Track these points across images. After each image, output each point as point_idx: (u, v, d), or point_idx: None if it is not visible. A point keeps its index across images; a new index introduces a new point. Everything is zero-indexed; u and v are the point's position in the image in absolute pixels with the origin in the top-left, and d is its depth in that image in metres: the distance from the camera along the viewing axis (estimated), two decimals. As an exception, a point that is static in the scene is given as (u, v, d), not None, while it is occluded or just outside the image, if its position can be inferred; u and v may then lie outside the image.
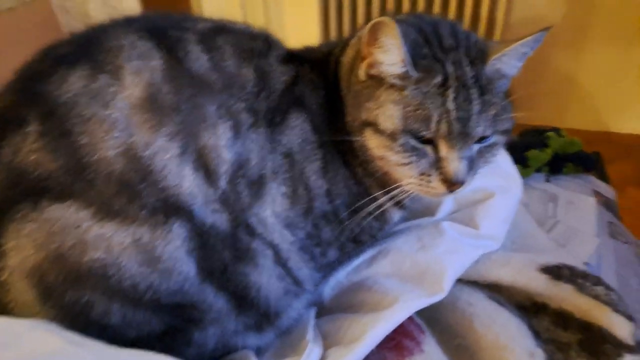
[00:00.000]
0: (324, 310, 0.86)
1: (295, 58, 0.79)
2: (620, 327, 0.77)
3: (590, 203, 1.36)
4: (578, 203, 1.36)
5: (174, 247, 0.62)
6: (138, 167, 0.59)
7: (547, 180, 1.45)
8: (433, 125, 0.69)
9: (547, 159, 1.42)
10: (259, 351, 0.76)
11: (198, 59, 0.66)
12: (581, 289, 0.82)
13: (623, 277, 1.17)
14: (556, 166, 1.46)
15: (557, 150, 1.44)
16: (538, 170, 1.45)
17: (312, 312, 0.83)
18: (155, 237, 0.60)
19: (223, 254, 0.66)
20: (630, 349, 0.75)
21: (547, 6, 2.59)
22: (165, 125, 0.61)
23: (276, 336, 0.78)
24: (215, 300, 0.67)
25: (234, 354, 0.73)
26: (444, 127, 0.70)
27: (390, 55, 0.69)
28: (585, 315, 0.80)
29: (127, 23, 0.69)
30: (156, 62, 0.63)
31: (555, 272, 0.85)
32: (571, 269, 0.85)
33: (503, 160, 1.02)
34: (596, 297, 0.81)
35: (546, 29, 0.71)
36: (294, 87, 0.75)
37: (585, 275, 0.84)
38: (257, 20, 2.94)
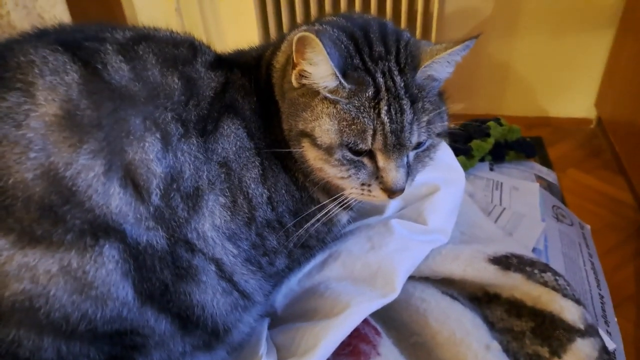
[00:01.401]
0: (278, 320, 0.84)
1: (224, 63, 0.76)
2: (570, 312, 0.78)
3: (534, 188, 1.39)
4: (522, 189, 1.39)
5: (107, 271, 0.58)
6: (60, 188, 0.55)
7: (491, 169, 1.48)
8: (369, 139, 0.68)
9: (489, 148, 1.44)
10: (210, 371, 0.73)
11: (118, 70, 0.62)
12: (530, 276, 0.83)
13: (570, 258, 1.20)
14: (499, 154, 1.49)
15: (499, 138, 1.47)
16: (482, 160, 1.48)
17: (265, 324, 0.81)
18: (84, 261, 0.56)
19: (162, 274, 0.62)
20: (582, 333, 0.76)
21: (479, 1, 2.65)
22: (87, 143, 0.57)
23: (228, 353, 0.75)
24: (157, 324, 0.63)
25: None
26: (379, 140, 0.69)
27: (319, 69, 0.67)
28: (536, 302, 0.81)
29: (37, 37, 0.64)
30: (72, 76, 0.58)
31: (504, 262, 0.85)
32: (519, 257, 0.86)
33: (444, 153, 1.02)
34: (545, 284, 0.82)
35: (476, 36, 0.70)
36: (225, 93, 0.72)
37: (533, 263, 0.85)
38: (193, 24, 2.88)
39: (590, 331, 0.76)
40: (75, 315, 0.56)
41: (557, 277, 0.83)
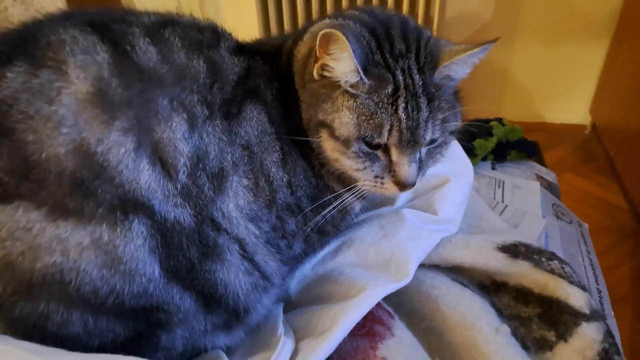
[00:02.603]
0: (292, 305, 0.85)
1: (246, 50, 0.78)
2: (576, 298, 0.81)
3: (534, 187, 1.43)
4: (524, 187, 1.42)
5: (136, 246, 0.58)
6: (91, 163, 0.56)
7: (493, 168, 1.51)
8: (385, 134, 0.71)
9: (492, 147, 1.48)
10: (228, 351, 0.74)
11: (146, 53, 0.63)
12: (537, 264, 0.86)
13: (570, 254, 1.24)
14: (501, 154, 1.52)
15: (501, 138, 1.50)
16: (484, 159, 1.51)
17: (281, 308, 0.82)
18: (115, 236, 0.57)
19: (189, 252, 0.63)
20: (587, 318, 0.79)
21: (479, 3, 2.69)
22: (118, 120, 0.57)
23: (246, 334, 0.77)
24: (182, 301, 0.64)
25: (203, 355, 0.71)
26: (395, 135, 0.71)
27: (342, 65, 0.69)
28: (543, 289, 0.84)
29: (65, 18, 0.64)
30: (102, 55, 0.59)
31: (512, 250, 0.88)
32: (527, 246, 0.89)
33: (454, 147, 1.04)
34: (552, 271, 0.85)
35: (494, 40, 0.73)
36: (248, 79, 0.74)
37: (540, 252, 0.88)
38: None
39: (595, 316, 0.79)
40: (104, 289, 0.57)
41: (564, 265, 0.86)
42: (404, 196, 0.98)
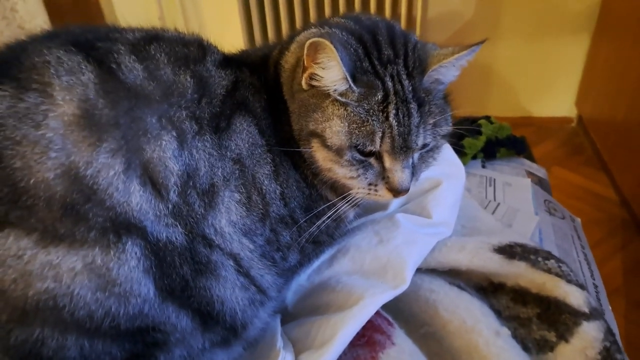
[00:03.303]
0: (289, 316, 0.84)
1: (233, 62, 0.77)
2: (574, 297, 0.80)
3: (525, 183, 1.43)
4: (515, 185, 1.42)
5: (130, 267, 0.58)
6: (81, 187, 0.55)
7: (483, 166, 1.51)
8: (377, 141, 0.70)
9: (481, 146, 1.47)
10: (227, 368, 0.73)
11: (132, 70, 0.62)
12: (534, 264, 0.85)
13: (564, 250, 1.23)
14: (490, 152, 1.52)
15: (490, 136, 1.50)
16: (474, 158, 1.50)
17: (278, 320, 0.81)
18: (108, 258, 0.56)
19: (182, 270, 0.62)
20: (587, 316, 0.78)
21: (460, 2, 2.70)
22: (106, 142, 0.57)
23: (244, 349, 0.76)
24: (178, 320, 0.63)
25: None
26: (387, 142, 0.71)
27: (330, 73, 0.69)
28: (541, 289, 0.83)
29: (48, 38, 0.63)
30: (87, 75, 0.58)
31: (508, 251, 0.87)
32: (523, 246, 0.88)
33: (444, 149, 1.03)
34: (549, 271, 0.84)
35: (481, 41, 0.73)
36: (235, 91, 0.73)
37: (536, 251, 0.87)
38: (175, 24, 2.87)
39: (595, 314, 0.79)
40: (99, 312, 0.56)
41: (561, 264, 0.85)
42: (397, 201, 0.98)
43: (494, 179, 1.43)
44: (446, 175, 0.98)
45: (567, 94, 2.90)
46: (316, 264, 0.87)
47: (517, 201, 1.34)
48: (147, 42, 0.67)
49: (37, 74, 0.56)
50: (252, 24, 2.73)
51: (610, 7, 2.51)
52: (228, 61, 0.76)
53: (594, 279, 1.22)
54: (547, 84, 2.88)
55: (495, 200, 1.35)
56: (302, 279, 0.86)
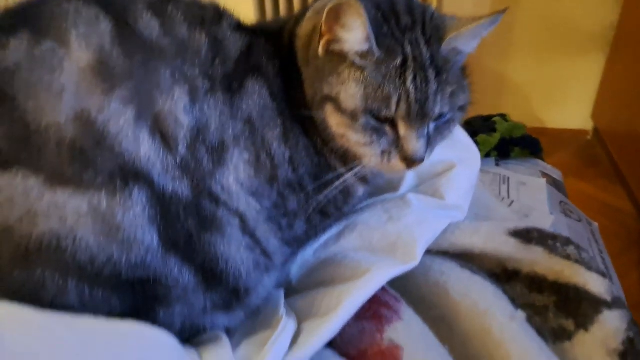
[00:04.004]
0: (293, 291, 0.81)
1: (248, 29, 0.78)
2: (595, 284, 0.76)
3: (540, 183, 1.39)
4: (529, 184, 1.38)
5: (135, 214, 0.57)
6: (92, 132, 0.56)
7: (497, 164, 1.47)
8: (393, 106, 0.69)
9: (495, 143, 1.45)
10: (228, 333, 0.71)
11: (148, 26, 0.63)
12: (552, 250, 0.81)
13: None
14: (504, 151, 1.49)
15: (504, 134, 1.47)
16: (487, 155, 1.47)
17: (282, 292, 0.78)
18: (114, 203, 0.56)
19: (187, 223, 0.62)
20: (609, 305, 0.74)
21: (474, 8, 2.68)
22: (119, 90, 0.58)
23: (246, 316, 0.73)
24: (181, 274, 0.62)
25: (203, 335, 0.68)
26: (403, 108, 0.70)
27: (355, 34, 0.68)
28: (558, 276, 0.79)
29: None
30: (105, 26, 0.60)
31: (525, 235, 0.83)
32: (540, 231, 0.84)
33: (459, 133, 1.01)
34: (568, 257, 0.80)
35: (502, 10, 0.71)
36: (249, 55, 0.73)
37: (555, 237, 0.83)
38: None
39: (617, 303, 0.74)
40: (101, 257, 0.56)
41: (581, 251, 0.81)
42: (409, 182, 0.95)
43: (508, 177, 1.39)
44: (461, 159, 0.95)
45: (582, 106, 2.86)
46: (323, 239, 0.85)
47: (532, 200, 1.31)
48: (165, 1, 0.69)
49: (55, 23, 0.58)
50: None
51: (627, 29, 2.48)
52: (243, 27, 0.77)
53: (612, 284, 1.17)
54: (563, 95, 2.85)
55: (509, 198, 1.31)
56: (308, 254, 0.84)
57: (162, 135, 0.60)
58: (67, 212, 0.54)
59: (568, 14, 2.62)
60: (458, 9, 2.65)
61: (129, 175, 0.57)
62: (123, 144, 0.57)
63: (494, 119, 1.50)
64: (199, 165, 0.63)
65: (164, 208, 0.60)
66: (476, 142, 1.40)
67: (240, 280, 0.68)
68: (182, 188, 0.62)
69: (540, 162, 1.54)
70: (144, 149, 0.59)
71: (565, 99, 2.86)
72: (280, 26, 0.83)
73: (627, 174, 2.40)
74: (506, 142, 1.49)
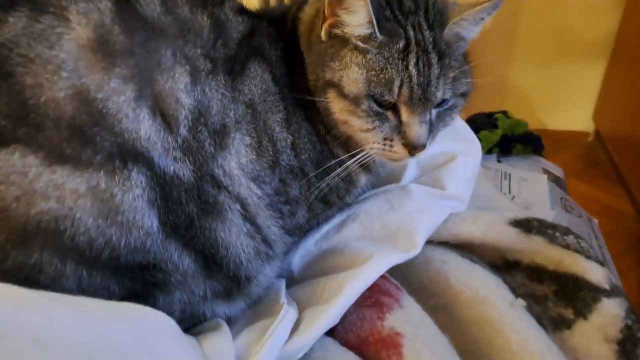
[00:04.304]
0: (294, 281, 0.81)
1: (251, 13, 0.78)
2: (594, 273, 0.76)
3: (542, 180, 1.40)
4: (530, 180, 1.39)
5: (134, 196, 0.56)
6: (91, 109, 0.55)
7: (499, 161, 1.48)
8: (395, 90, 0.69)
9: (497, 139, 1.45)
10: (228, 322, 0.70)
11: (150, 4, 0.62)
12: (552, 239, 0.81)
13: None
14: (506, 147, 1.50)
15: (506, 130, 1.47)
16: (489, 152, 1.48)
17: (283, 282, 0.78)
18: (112, 184, 0.55)
19: (188, 207, 0.61)
20: (607, 293, 0.74)
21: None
22: (119, 67, 0.56)
23: (247, 305, 0.73)
24: (181, 260, 0.61)
25: (203, 323, 0.68)
26: (405, 92, 0.69)
27: (357, 17, 0.68)
28: (558, 266, 0.79)
29: None
30: (105, 3, 0.58)
31: (525, 224, 0.84)
32: (540, 221, 0.84)
33: (460, 124, 1.02)
34: (567, 247, 0.80)
35: None
36: (252, 37, 0.73)
37: (554, 227, 0.84)
38: None
39: (615, 291, 0.75)
40: (100, 240, 0.55)
41: (580, 240, 0.81)
42: (411, 173, 0.95)
43: (510, 173, 1.40)
44: (462, 150, 0.95)
45: (583, 108, 2.85)
46: (325, 229, 0.85)
47: (533, 196, 1.32)
48: None
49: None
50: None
51: (627, 37, 2.50)
52: (246, 11, 0.77)
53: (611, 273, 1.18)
54: (564, 97, 2.84)
55: (510, 193, 1.31)
56: (310, 244, 0.84)
57: (163, 115, 0.59)
58: (66, 192, 0.52)
59: (569, 22, 2.62)
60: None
61: (128, 155, 0.56)
62: (123, 123, 0.56)
63: (496, 115, 1.51)
64: (200, 147, 0.62)
65: (164, 190, 0.59)
66: (478, 139, 1.42)
67: (240, 267, 0.68)
68: (183, 170, 0.61)
69: (541, 159, 1.55)
70: (144, 128, 0.57)
71: (566, 101, 2.85)
72: (284, 11, 0.83)
73: (628, 176, 2.40)
74: (508, 139, 1.50)
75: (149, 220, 0.58)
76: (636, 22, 2.43)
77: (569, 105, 2.87)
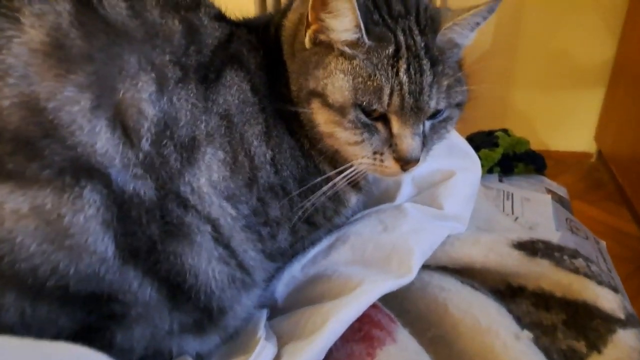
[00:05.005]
0: (279, 311, 0.74)
1: (230, 20, 0.73)
2: (607, 300, 0.70)
3: (546, 200, 1.33)
4: (534, 200, 1.32)
5: (86, 217, 0.50)
6: (40, 120, 0.49)
7: (501, 180, 1.42)
8: (385, 99, 0.64)
9: (498, 158, 1.39)
10: (200, 359, 0.63)
11: (115, 7, 0.57)
12: (559, 262, 0.75)
13: (590, 269, 1.12)
14: (507, 167, 1.44)
15: (507, 149, 1.42)
16: (490, 171, 1.42)
17: (264, 314, 0.71)
18: (61, 203, 0.49)
19: (149, 229, 0.55)
20: (622, 323, 0.68)
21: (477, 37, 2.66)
22: (74, 74, 0.51)
23: (222, 340, 0.66)
24: (141, 290, 0.55)
25: None
26: (396, 101, 0.64)
27: (343, 21, 0.63)
28: (566, 292, 0.73)
29: None
30: (63, 5, 0.54)
31: (530, 247, 0.77)
32: (546, 242, 0.78)
33: (458, 140, 0.96)
34: (576, 271, 0.74)
35: None
36: (229, 44, 0.68)
37: (561, 249, 0.77)
38: None
39: (632, 321, 0.68)
40: (45, 268, 0.48)
41: (590, 264, 0.75)
42: (406, 191, 0.89)
43: (512, 193, 1.33)
44: (460, 167, 0.89)
45: (585, 129, 2.83)
46: (312, 253, 0.78)
47: (537, 216, 1.25)
48: None
49: (8, 0, 0.52)
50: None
51: (625, 62, 2.51)
52: (224, 18, 0.72)
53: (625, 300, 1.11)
54: (565, 117, 2.81)
55: (513, 214, 1.25)
56: (296, 270, 0.76)
57: (124, 127, 0.54)
58: (5, 212, 0.46)
59: (567, 47, 2.64)
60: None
61: (81, 171, 0.50)
62: (76, 135, 0.50)
63: (496, 133, 1.45)
64: (165, 163, 0.56)
65: (122, 211, 0.53)
66: (478, 157, 1.36)
67: (212, 297, 0.61)
68: (144, 188, 0.55)
69: (545, 178, 1.48)
70: (101, 141, 0.52)
71: (567, 122, 2.83)
72: (268, 19, 0.78)
73: (632, 196, 2.35)
74: (509, 158, 1.44)
75: (103, 245, 0.51)
76: (633, 47, 2.47)
77: (570, 126, 2.85)
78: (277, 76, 0.70)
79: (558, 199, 1.39)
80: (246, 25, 0.74)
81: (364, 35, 0.63)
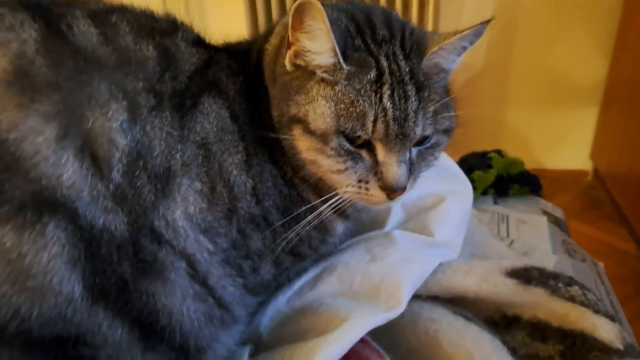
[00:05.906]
0: (263, 347, 0.70)
1: (209, 45, 0.71)
2: (604, 330, 0.67)
3: (542, 222, 1.31)
4: (530, 222, 1.30)
5: (49, 256, 0.47)
6: (0, 152, 0.47)
7: (495, 202, 1.39)
8: (369, 126, 0.62)
9: (492, 180, 1.37)
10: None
11: (85, 33, 0.56)
12: (554, 291, 0.73)
13: (588, 293, 1.09)
14: (502, 188, 1.41)
15: (501, 170, 1.39)
16: (484, 193, 1.40)
17: (247, 351, 0.67)
18: (22, 241, 0.46)
19: (120, 267, 0.51)
20: (621, 354, 0.65)
21: (469, 57, 2.67)
22: (39, 103, 0.49)
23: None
24: (111, 331, 0.51)
25: None
26: (380, 128, 0.62)
27: (318, 42, 0.61)
28: (563, 321, 0.70)
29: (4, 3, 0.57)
30: (29, 33, 0.52)
31: (524, 275, 0.75)
32: (540, 270, 0.76)
33: (449, 163, 0.94)
34: (572, 299, 0.72)
35: (487, 21, 0.65)
36: (208, 70, 0.65)
37: (556, 276, 0.75)
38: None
39: (631, 351, 0.65)
40: (4, 311, 0.45)
41: (586, 291, 0.72)
42: (395, 218, 0.86)
43: (507, 216, 1.31)
44: (451, 191, 0.87)
45: (580, 147, 2.82)
46: (298, 284, 0.75)
47: (533, 239, 1.22)
48: (110, 11, 0.61)
49: None
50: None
51: (617, 81, 2.54)
52: (203, 43, 0.70)
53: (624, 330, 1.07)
54: (561, 136, 2.80)
55: (509, 237, 1.22)
56: (281, 303, 0.73)
57: (93, 157, 0.51)
58: None
59: (560, 67, 2.65)
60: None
61: (44, 205, 0.47)
62: (40, 167, 0.48)
63: (490, 154, 1.43)
64: (138, 195, 0.54)
65: (90, 248, 0.50)
66: (472, 180, 1.33)
67: (188, 337, 0.57)
68: (115, 222, 0.52)
69: (540, 200, 1.46)
70: (68, 173, 0.49)
71: (563, 141, 2.82)
72: (249, 44, 0.76)
73: (630, 215, 2.32)
74: (504, 180, 1.42)
75: (70, 285, 0.48)
76: (624, 67, 2.49)
77: (565, 145, 2.84)
78: (258, 102, 0.68)
79: (554, 221, 1.37)
80: (226, 50, 0.72)
81: (341, 60, 0.61)
